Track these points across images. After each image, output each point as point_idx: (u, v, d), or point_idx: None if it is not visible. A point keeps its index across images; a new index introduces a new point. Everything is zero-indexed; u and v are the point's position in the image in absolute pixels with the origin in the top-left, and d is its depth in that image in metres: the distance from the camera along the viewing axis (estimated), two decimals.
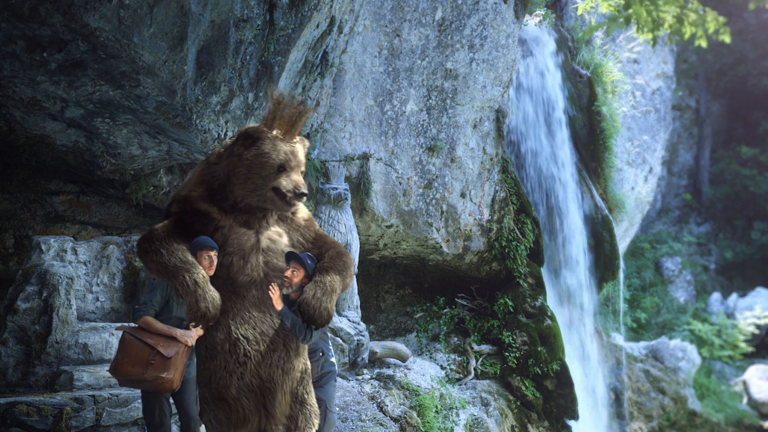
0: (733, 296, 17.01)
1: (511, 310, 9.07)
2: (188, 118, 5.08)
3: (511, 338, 8.91)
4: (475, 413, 7.74)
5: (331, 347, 4.27)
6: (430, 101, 8.38)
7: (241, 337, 3.50)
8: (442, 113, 8.45)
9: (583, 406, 9.40)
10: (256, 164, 3.59)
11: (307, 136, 7.08)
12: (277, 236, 3.77)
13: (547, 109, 11.03)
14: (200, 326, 3.45)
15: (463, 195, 8.72)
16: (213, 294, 3.43)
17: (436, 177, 8.44)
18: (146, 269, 3.75)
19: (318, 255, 3.82)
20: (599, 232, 10.91)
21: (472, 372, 8.64)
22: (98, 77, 4.63)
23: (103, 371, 4.75)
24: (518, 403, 8.65)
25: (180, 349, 3.60)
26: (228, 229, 3.65)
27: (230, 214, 3.69)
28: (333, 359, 4.21)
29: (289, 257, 3.72)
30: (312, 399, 3.75)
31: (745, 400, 14.17)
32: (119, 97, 4.89)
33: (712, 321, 16.19)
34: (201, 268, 3.46)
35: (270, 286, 3.60)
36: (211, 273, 3.53)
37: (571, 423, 9.12)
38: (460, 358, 8.74)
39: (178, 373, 3.58)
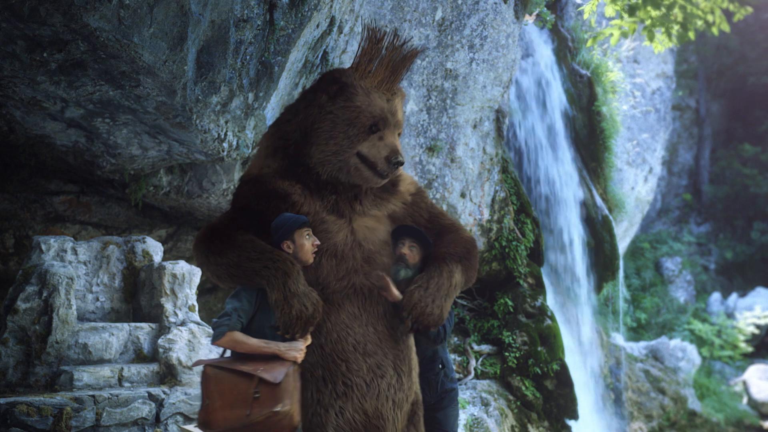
0: (733, 296, 17.01)
1: (511, 310, 9.07)
2: (188, 118, 5.08)
3: (511, 338, 8.91)
4: (475, 413, 7.74)
5: (450, 359, 3.30)
6: (430, 101, 8.38)
7: (338, 360, 2.68)
8: (442, 113, 8.45)
9: (583, 406, 9.40)
10: (342, 120, 2.78)
11: None
12: (374, 222, 2.91)
13: (546, 108, 11.04)
14: (303, 335, 2.64)
15: (463, 195, 8.72)
16: (306, 289, 2.62)
17: (436, 177, 8.44)
18: (213, 278, 2.87)
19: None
20: (599, 232, 10.91)
21: (472, 372, 8.64)
22: (98, 77, 4.63)
23: (104, 371, 4.74)
24: (518, 403, 8.64)
25: (289, 369, 2.58)
26: (313, 216, 2.82)
27: (316, 195, 2.86)
28: (455, 375, 3.26)
29: (401, 232, 2.92)
30: None
31: (745, 400, 14.17)
32: (119, 97, 4.88)
33: (712, 321, 16.19)
34: (287, 255, 2.67)
35: (378, 274, 2.77)
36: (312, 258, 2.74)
37: (571, 423, 9.11)
38: (460, 358, 8.74)
39: (295, 402, 2.57)
